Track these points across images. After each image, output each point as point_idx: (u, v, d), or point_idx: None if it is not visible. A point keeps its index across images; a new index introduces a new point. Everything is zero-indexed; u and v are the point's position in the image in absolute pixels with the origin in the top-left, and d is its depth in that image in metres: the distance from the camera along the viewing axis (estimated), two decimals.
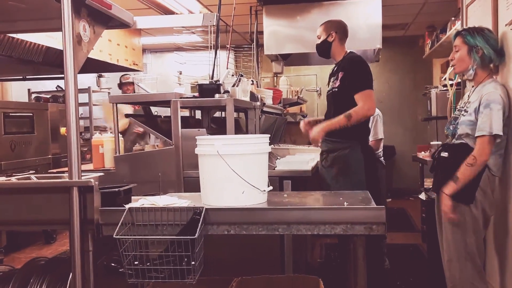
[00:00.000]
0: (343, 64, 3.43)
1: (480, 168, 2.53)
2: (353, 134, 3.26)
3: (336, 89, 3.39)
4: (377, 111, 4.57)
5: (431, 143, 5.40)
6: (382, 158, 4.59)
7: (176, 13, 6.38)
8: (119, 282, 2.25)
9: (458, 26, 3.74)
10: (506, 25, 2.69)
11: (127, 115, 4.23)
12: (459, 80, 3.54)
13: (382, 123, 4.55)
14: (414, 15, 7.21)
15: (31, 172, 2.61)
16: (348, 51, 3.53)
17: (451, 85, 3.58)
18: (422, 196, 4.13)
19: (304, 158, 4.39)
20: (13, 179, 2.16)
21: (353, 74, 3.31)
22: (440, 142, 4.47)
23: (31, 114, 4.69)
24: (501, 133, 2.49)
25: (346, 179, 3.27)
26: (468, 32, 2.69)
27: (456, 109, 2.84)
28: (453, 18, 5.77)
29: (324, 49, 3.51)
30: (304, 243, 4.40)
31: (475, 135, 2.54)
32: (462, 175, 2.54)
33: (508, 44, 2.69)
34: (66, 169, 1.95)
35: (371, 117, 4.49)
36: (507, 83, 2.69)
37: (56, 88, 6.49)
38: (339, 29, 3.46)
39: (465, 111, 2.68)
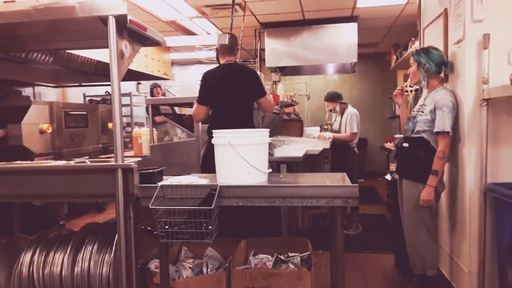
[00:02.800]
0: None
1: (447, 158, 2.55)
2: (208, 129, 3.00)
3: None
4: (354, 110, 4.57)
5: (395, 136, 5.39)
6: (356, 148, 4.56)
7: (197, 34, 6.37)
8: (153, 241, 2.27)
9: (416, 45, 3.71)
10: (454, 44, 2.67)
11: (162, 114, 4.23)
12: (417, 87, 3.52)
13: (358, 120, 4.49)
14: (383, 36, 7.16)
15: (86, 157, 2.61)
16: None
17: (411, 91, 3.55)
18: (388, 177, 4.12)
19: (296, 147, 4.39)
20: (72, 163, 2.18)
21: None
22: (402, 135, 4.45)
23: (86, 113, 4.69)
24: (449, 130, 2.50)
25: None
26: (417, 52, 2.71)
27: (414, 110, 2.83)
28: (413, 39, 5.74)
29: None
30: (296, 213, 4.42)
31: (434, 131, 2.55)
32: (437, 167, 2.54)
33: (455, 59, 2.67)
34: (113, 155, 1.96)
35: (349, 115, 4.51)
36: (454, 89, 2.68)
37: (105, 92, 6.49)
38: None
39: (422, 111, 2.67)
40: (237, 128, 2.23)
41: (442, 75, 2.71)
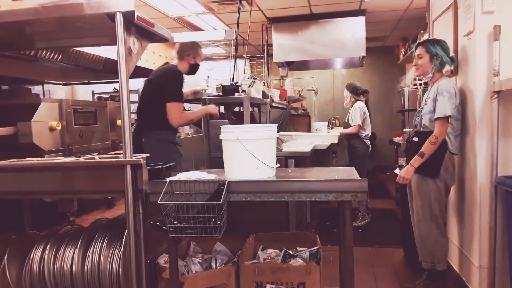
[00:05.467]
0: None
1: (438, 144, 2.53)
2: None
3: None
4: (361, 104, 4.65)
5: (404, 130, 5.35)
6: (367, 140, 4.66)
7: (204, 30, 6.36)
8: (162, 237, 2.29)
9: (426, 37, 3.67)
10: (464, 36, 2.63)
11: None
12: (426, 80, 3.49)
13: (363, 114, 4.62)
14: (391, 30, 7.09)
15: (95, 154, 2.63)
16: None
17: (420, 84, 3.52)
18: (397, 171, 4.09)
19: (304, 142, 4.38)
20: (81, 159, 2.19)
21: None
22: (411, 129, 4.43)
23: (95, 110, 4.72)
24: (449, 114, 2.50)
25: None
26: (430, 42, 2.66)
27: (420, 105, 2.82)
28: (422, 31, 5.67)
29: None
30: (304, 208, 4.42)
31: (434, 117, 2.54)
32: (426, 151, 2.54)
33: (465, 51, 2.64)
34: (121, 151, 1.97)
35: (354, 108, 4.64)
36: (465, 82, 2.65)
37: (113, 89, 6.53)
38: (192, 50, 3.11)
39: (425, 104, 2.67)
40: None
41: (447, 69, 2.69)
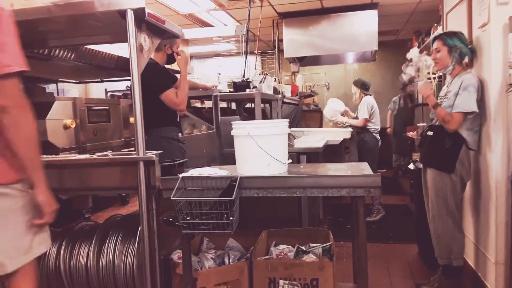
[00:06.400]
0: None
1: (445, 125, 2.52)
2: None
3: None
4: (369, 99, 4.71)
5: (418, 124, 5.28)
6: (377, 134, 4.75)
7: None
8: (176, 233, 2.30)
9: (439, 30, 3.60)
10: (478, 28, 2.58)
11: None
12: (440, 74, 3.43)
13: (370, 108, 4.68)
14: (404, 23, 7.00)
15: (108, 151, 2.66)
16: None
17: (434, 78, 3.46)
18: (411, 166, 4.04)
19: (316, 137, 4.36)
20: (95, 156, 2.21)
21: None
22: (425, 124, 4.37)
23: (108, 107, 4.76)
24: (476, 110, 2.46)
25: None
26: (447, 35, 2.61)
27: (439, 97, 2.76)
28: (435, 24, 5.57)
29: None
30: (317, 203, 4.40)
31: (452, 111, 2.49)
32: (437, 111, 2.56)
33: (480, 43, 2.59)
34: (134, 148, 1.98)
35: (362, 103, 4.70)
36: (480, 75, 2.60)
37: (126, 87, 6.57)
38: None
39: (446, 98, 2.61)
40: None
41: (466, 60, 2.64)
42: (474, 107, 2.45)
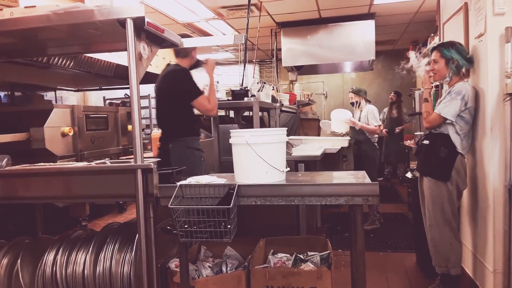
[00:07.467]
0: None
1: (423, 120, 2.69)
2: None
3: None
4: (374, 107, 4.63)
5: (415, 133, 5.31)
6: (376, 143, 4.67)
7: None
8: (173, 241, 2.29)
9: (436, 40, 3.63)
10: (475, 38, 2.61)
11: None
12: (437, 84, 3.46)
13: (377, 115, 4.63)
14: (401, 33, 7.06)
15: (106, 159, 2.65)
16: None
17: (432, 87, 3.48)
18: (408, 175, 4.05)
19: (314, 146, 4.37)
20: (93, 164, 2.21)
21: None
22: (422, 133, 4.39)
23: (106, 115, 4.77)
24: (451, 119, 2.53)
25: None
26: (444, 46, 2.63)
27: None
28: (432, 34, 5.63)
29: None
30: (315, 212, 4.39)
31: (435, 111, 2.59)
32: (424, 104, 2.69)
33: (477, 53, 2.61)
34: (132, 156, 1.98)
35: (369, 110, 4.59)
36: (477, 84, 2.61)
37: (124, 95, 6.59)
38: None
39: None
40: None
41: (463, 70, 2.66)
42: (450, 116, 2.50)
